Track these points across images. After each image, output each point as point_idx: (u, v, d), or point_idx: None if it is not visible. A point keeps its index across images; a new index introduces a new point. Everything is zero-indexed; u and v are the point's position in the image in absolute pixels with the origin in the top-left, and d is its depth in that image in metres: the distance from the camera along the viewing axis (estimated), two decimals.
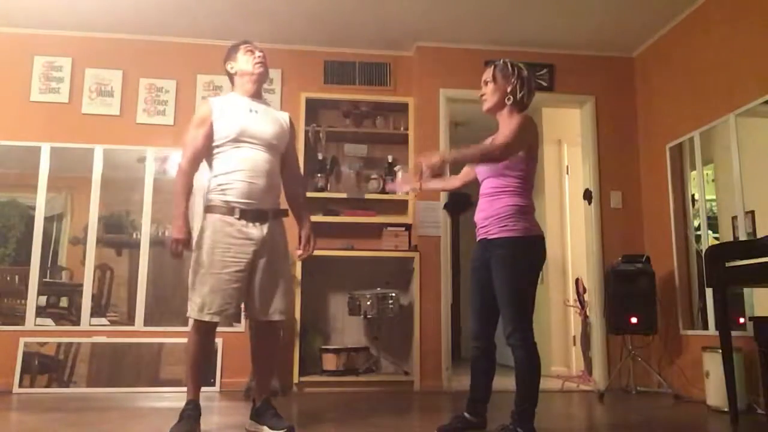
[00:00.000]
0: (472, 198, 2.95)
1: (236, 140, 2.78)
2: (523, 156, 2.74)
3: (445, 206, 4.85)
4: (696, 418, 3.53)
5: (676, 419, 3.54)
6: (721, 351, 3.23)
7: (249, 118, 2.84)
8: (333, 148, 5.08)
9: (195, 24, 4.78)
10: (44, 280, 4.66)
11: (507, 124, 2.78)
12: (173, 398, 3.99)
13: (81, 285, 4.67)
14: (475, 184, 2.98)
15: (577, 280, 5.27)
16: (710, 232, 4.25)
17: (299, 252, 3.02)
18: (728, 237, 4.04)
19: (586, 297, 5.11)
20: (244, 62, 2.90)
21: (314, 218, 4.25)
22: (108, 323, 4.66)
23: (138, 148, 4.87)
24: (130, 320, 4.67)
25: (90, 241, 4.72)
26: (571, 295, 5.47)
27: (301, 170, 3.33)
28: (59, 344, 4.53)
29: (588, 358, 5.04)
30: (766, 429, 3.28)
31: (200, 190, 2.88)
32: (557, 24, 4.73)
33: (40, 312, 4.61)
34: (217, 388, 4.53)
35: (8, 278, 4.66)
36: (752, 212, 3.83)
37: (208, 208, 2.78)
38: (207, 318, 2.68)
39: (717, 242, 4.12)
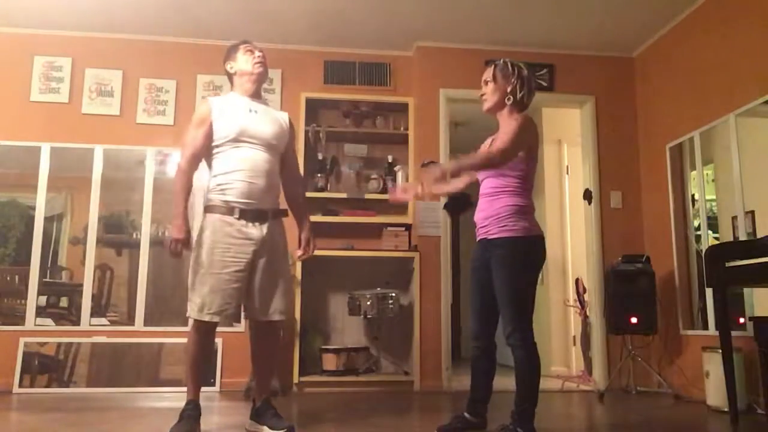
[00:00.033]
0: (472, 198, 2.95)
1: (236, 140, 2.78)
2: (523, 156, 2.74)
3: (445, 206, 4.85)
4: (696, 418, 3.53)
5: (676, 419, 3.54)
6: (721, 351, 3.22)
7: (249, 118, 2.84)
8: (333, 148, 5.07)
9: (195, 24, 4.78)
10: (44, 280, 4.66)
11: (507, 125, 2.78)
12: (173, 398, 3.99)
13: (81, 285, 4.67)
14: (475, 183, 2.98)
15: (577, 280, 5.27)
16: (710, 232, 4.25)
17: (299, 253, 3.02)
18: (728, 237, 4.04)
19: (586, 297, 5.11)
20: (244, 62, 2.90)
21: (314, 218, 4.26)
22: (108, 323, 4.66)
23: (138, 148, 4.87)
24: (130, 320, 4.67)
25: (90, 241, 4.72)
26: (571, 295, 5.47)
27: (301, 170, 3.33)
28: (59, 344, 4.53)
29: (588, 358, 5.04)
30: (766, 429, 3.28)
31: (200, 189, 2.88)
32: (557, 24, 4.73)
33: (40, 312, 4.61)
34: (217, 388, 4.53)
35: (8, 278, 4.66)
36: (752, 212, 3.83)
37: (208, 208, 2.78)
38: (207, 318, 2.68)
39: (717, 242, 4.12)
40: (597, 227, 4.99)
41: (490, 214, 2.76)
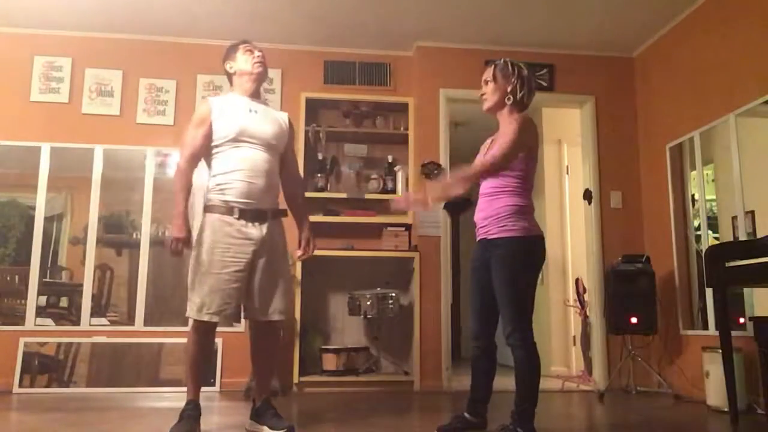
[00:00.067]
0: (472, 198, 2.95)
1: (235, 140, 2.78)
2: (522, 156, 2.74)
3: (445, 206, 4.82)
4: (696, 418, 3.53)
5: (676, 419, 3.54)
6: (721, 351, 3.22)
7: (248, 118, 2.84)
8: (333, 148, 5.07)
9: (195, 24, 4.78)
10: (44, 280, 4.66)
11: (506, 126, 2.78)
12: (173, 398, 3.99)
13: (81, 285, 4.67)
14: (475, 183, 2.98)
15: (577, 280, 5.27)
16: (710, 232, 4.25)
17: (299, 253, 3.02)
18: (728, 237, 4.04)
19: (586, 297, 5.11)
20: (243, 62, 2.90)
21: (314, 218, 4.25)
22: (108, 323, 4.66)
23: (138, 148, 4.87)
24: (130, 320, 4.67)
25: (90, 241, 4.72)
26: (571, 295, 5.47)
27: (300, 171, 3.33)
28: (59, 344, 4.53)
29: (588, 358, 5.04)
30: (766, 429, 3.28)
31: (200, 189, 2.88)
32: (557, 24, 4.73)
33: (40, 312, 4.61)
34: (217, 388, 4.53)
35: (8, 278, 4.66)
36: (752, 212, 3.83)
37: (208, 208, 2.78)
38: (206, 318, 2.68)
39: (717, 242, 4.12)
40: (597, 227, 4.99)
41: (490, 214, 2.76)
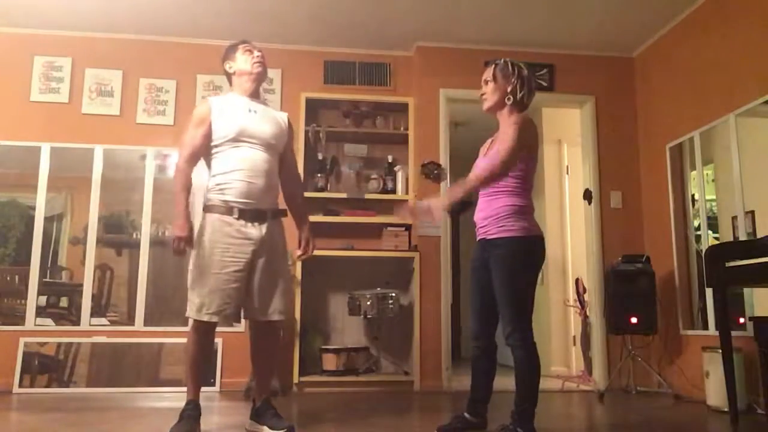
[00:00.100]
0: (473, 198, 2.95)
1: (235, 140, 2.78)
2: (522, 156, 2.73)
3: None
4: (696, 418, 3.53)
5: (676, 419, 3.54)
6: (721, 351, 3.22)
7: (248, 118, 2.84)
8: (333, 148, 5.07)
9: (195, 24, 4.78)
10: (44, 280, 4.66)
11: (506, 127, 2.77)
12: (173, 398, 3.99)
13: (81, 285, 4.67)
14: None
15: (577, 280, 5.27)
16: (710, 232, 4.25)
17: (299, 253, 3.02)
18: (728, 237, 4.04)
19: (586, 297, 5.11)
20: (243, 62, 2.90)
21: (314, 218, 4.26)
22: (108, 323, 4.66)
23: (138, 148, 4.87)
24: (130, 320, 4.67)
25: (90, 241, 4.72)
26: (571, 295, 5.47)
27: (300, 171, 3.33)
28: (59, 344, 4.53)
29: (588, 358, 5.04)
30: (766, 429, 3.28)
31: (200, 189, 2.88)
32: (557, 24, 4.73)
33: (40, 312, 4.61)
34: (217, 388, 4.53)
35: (8, 278, 4.66)
36: (752, 212, 3.83)
37: (207, 208, 2.78)
38: (206, 318, 2.68)
39: (717, 242, 4.12)
40: (597, 227, 4.99)
41: (490, 214, 2.76)
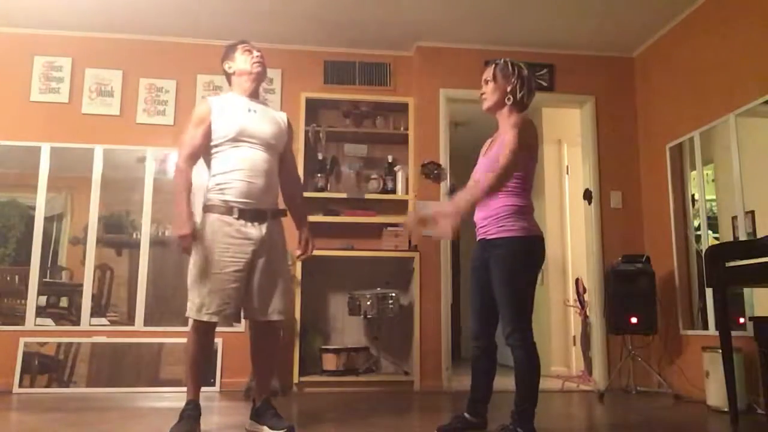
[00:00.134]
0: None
1: (235, 140, 2.78)
2: (522, 156, 2.73)
3: None
4: (696, 418, 3.53)
5: (676, 419, 3.54)
6: (721, 351, 3.22)
7: (248, 118, 2.84)
8: (333, 148, 5.07)
9: (195, 24, 4.78)
10: (44, 280, 4.66)
11: (506, 127, 2.77)
12: (173, 398, 3.99)
13: (81, 285, 4.67)
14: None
15: (577, 280, 5.27)
16: (710, 232, 4.25)
17: (298, 252, 3.02)
18: (728, 237, 4.04)
19: (586, 297, 5.11)
20: (243, 62, 2.90)
21: (314, 218, 4.26)
22: (108, 323, 4.66)
23: (138, 148, 4.87)
24: (130, 320, 4.67)
25: (90, 241, 4.72)
26: (571, 295, 5.47)
27: (300, 171, 3.33)
28: (59, 344, 4.53)
29: (588, 358, 5.04)
30: (766, 429, 3.28)
31: (200, 189, 2.87)
32: (557, 24, 4.73)
33: (40, 312, 4.61)
34: (217, 388, 4.53)
35: (8, 278, 4.66)
36: (752, 212, 3.83)
37: (207, 208, 2.78)
38: (205, 318, 2.68)
39: (717, 242, 4.12)
40: (597, 227, 4.99)
41: (489, 214, 2.76)
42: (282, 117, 3.02)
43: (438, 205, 2.65)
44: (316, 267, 4.67)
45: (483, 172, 2.84)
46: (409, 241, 4.83)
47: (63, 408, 3.66)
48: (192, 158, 2.81)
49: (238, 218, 2.74)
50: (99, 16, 4.68)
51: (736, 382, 3.21)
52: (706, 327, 4.17)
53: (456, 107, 5.18)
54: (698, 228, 4.36)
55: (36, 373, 4.44)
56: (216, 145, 2.80)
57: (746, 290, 3.87)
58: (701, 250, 4.22)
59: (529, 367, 2.65)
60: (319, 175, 4.90)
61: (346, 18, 4.67)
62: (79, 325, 4.61)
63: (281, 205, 2.97)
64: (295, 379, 4.45)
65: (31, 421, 3.25)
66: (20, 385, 4.38)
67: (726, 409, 3.34)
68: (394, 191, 4.95)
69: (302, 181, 4.09)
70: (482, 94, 2.88)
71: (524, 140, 2.69)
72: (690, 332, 4.37)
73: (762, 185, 3.78)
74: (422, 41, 5.06)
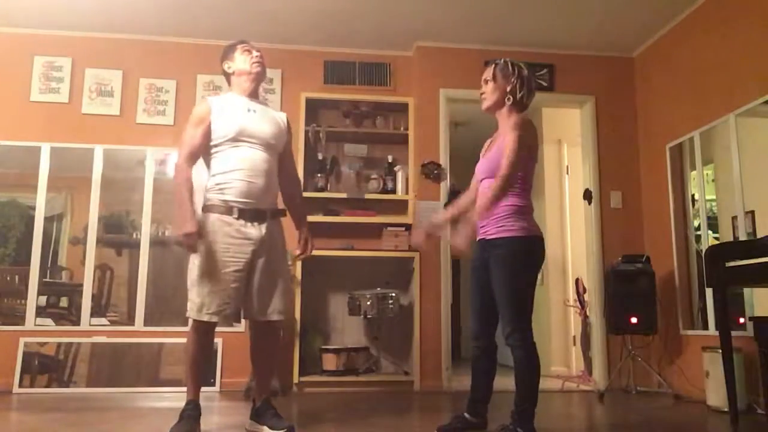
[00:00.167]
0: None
1: (235, 139, 2.78)
2: (522, 156, 2.73)
3: (445, 206, 4.85)
4: (696, 418, 3.53)
5: (676, 419, 3.54)
6: (721, 351, 3.22)
7: (247, 118, 2.84)
8: (333, 148, 5.07)
9: (195, 24, 4.78)
10: (44, 280, 4.66)
11: (506, 127, 2.77)
12: (173, 398, 3.99)
13: (81, 285, 4.67)
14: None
15: (577, 280, 5.27)
16: (710, 232, 4.25)
17: (297, 252, 3.02)
18: (728, 237, 4.04)
19: (586, 297, 5.11)
20: (242, 62, 2.90)
21: (314, 218, 4.26)
22: (108, 323, 4.66)
23: (138, 148, 4.87)
24: (130, 320, 4.67)
25: (90, 241, 4.72)
26: (571, 295, 5.47)
27: (299, 171, 3.33)
28: (59, 344, 4.53)
29: (588, 358, 5.04)
30: (766, 429, 3.28)
31: (200, 189, 2.87)
32: (557, 24, 4.73)
33: (40, 312, 4.61)
34: (217, 388, 4.53)
35: (8, 278, 4.66)
36: (752, 212, 3.83)
37: (207, 208, 2.78)
38: (205, 318, 2.68)
39: (717, 242, 4.12)
40: (597, 227, 4.99)
41: (489, 214, 2.76)
42: (282, 117, 3.02)
43: (450, 226, 2.72)
44: (316, 267, 4.67)
45: (483, 172, 2.85)
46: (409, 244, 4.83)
47: (63, 408, 3.66)
48: (192, 158, 2.81)
49: (237, 218, 2.74)
50: (99, 16, 4.68)
51: (736, 382, 3.20)
52: (706, 327, 4.17)
53: (456, 107, 5.18)
54: (698, 228, 4.36)
55: (36, 373, 4.44)
56: (216, 145, 2.80)
57: (746, 290, 3.87)
58: (701, 250, 4.22)
59: (529, 367, 2.65)
60: (319, 175, 4.90)
61: (346, 18, 4.67)
62: (79, 325, 4.61)
63: (281, 205, 2.97)
64: (295, 379, 4.45)
65: (31, 421, 3.25)
66: (20, 385, 4.38)
67: (726, 409, 3.34)
68: (394, 191, 4.95)
69: (302, 181, 4.09)
70: (482, 93, 2.88)
71: (524, 141, 2.69)
72: (690, 332, 4.37)
73: (762, 185, 3.78)
74: (422, 41, 5.06)
